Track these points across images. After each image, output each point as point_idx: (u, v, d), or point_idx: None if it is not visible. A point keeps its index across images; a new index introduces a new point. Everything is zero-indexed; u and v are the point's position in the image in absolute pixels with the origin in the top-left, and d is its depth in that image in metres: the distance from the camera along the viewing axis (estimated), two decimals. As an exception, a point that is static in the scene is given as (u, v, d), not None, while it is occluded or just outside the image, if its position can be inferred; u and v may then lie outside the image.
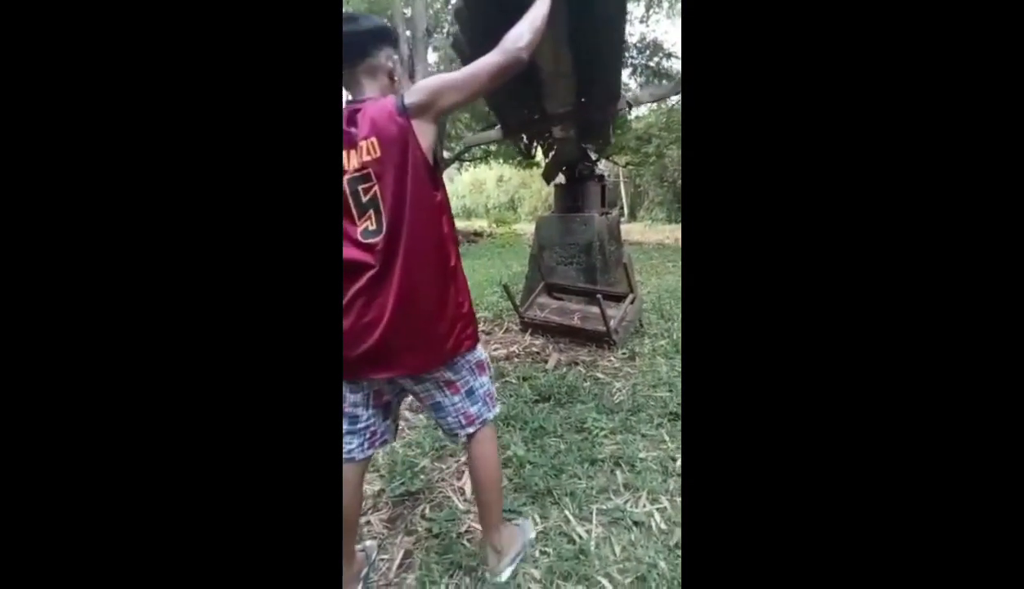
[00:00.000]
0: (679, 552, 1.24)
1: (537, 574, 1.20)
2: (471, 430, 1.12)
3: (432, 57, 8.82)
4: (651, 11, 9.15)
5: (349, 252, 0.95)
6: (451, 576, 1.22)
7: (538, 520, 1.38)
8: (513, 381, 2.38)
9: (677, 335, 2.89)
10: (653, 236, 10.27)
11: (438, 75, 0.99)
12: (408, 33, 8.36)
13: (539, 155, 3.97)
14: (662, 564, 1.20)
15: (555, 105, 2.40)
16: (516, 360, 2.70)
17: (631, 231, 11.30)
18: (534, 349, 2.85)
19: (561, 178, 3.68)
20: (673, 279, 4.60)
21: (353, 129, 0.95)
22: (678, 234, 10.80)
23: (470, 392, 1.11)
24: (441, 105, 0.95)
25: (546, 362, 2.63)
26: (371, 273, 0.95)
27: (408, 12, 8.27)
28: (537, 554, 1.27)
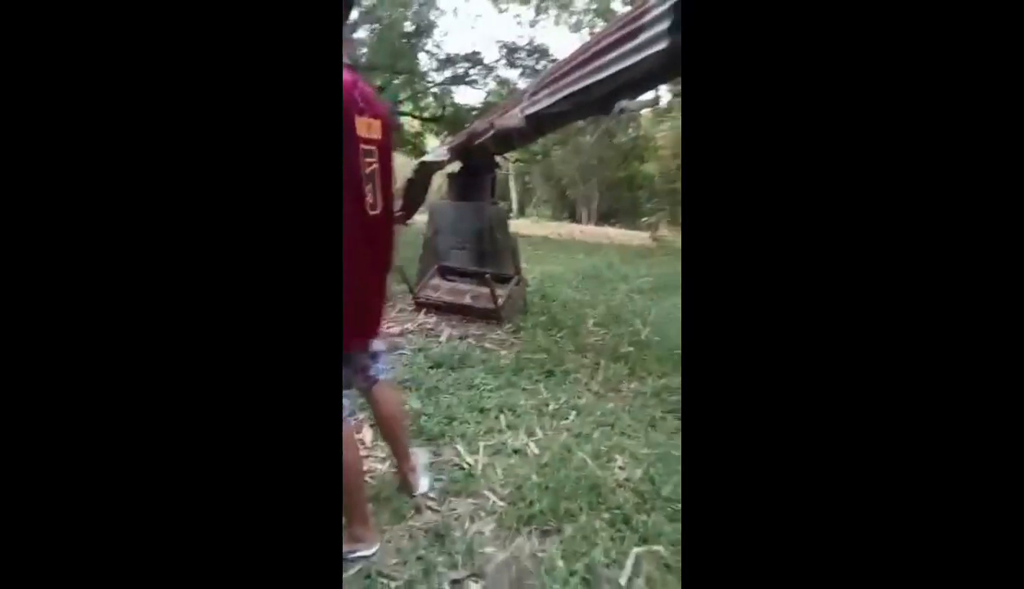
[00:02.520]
0: (550, 470, 1.55)
1: (433, 495, 1.42)
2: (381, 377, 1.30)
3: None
4: (539, 16, 9.71)
5: (359, 223, 1.01)
6: (356, 504, 1.38)
7: (434, 456, 1.60)
8: (408, 352, 2.54)
9: (555, 312, 3.29)
10: (540, 231, 10.97)
11: None
12: None
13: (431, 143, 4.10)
14: (534, 477, 1.50)
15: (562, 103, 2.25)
16: (411, 336, 2.86)
17: (520, 226, 11.89)
18: (428, 326, 3.03)
19: (454, 167, 3.89)
20: (553, 267, 5.10)
21: (356, 95, 1.01)
22: (561, 230, 11.66)
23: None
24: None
25: (439, 336, 2.84)
26: (370, 248, 1.07)
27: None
28: (432, 481, 1.49)
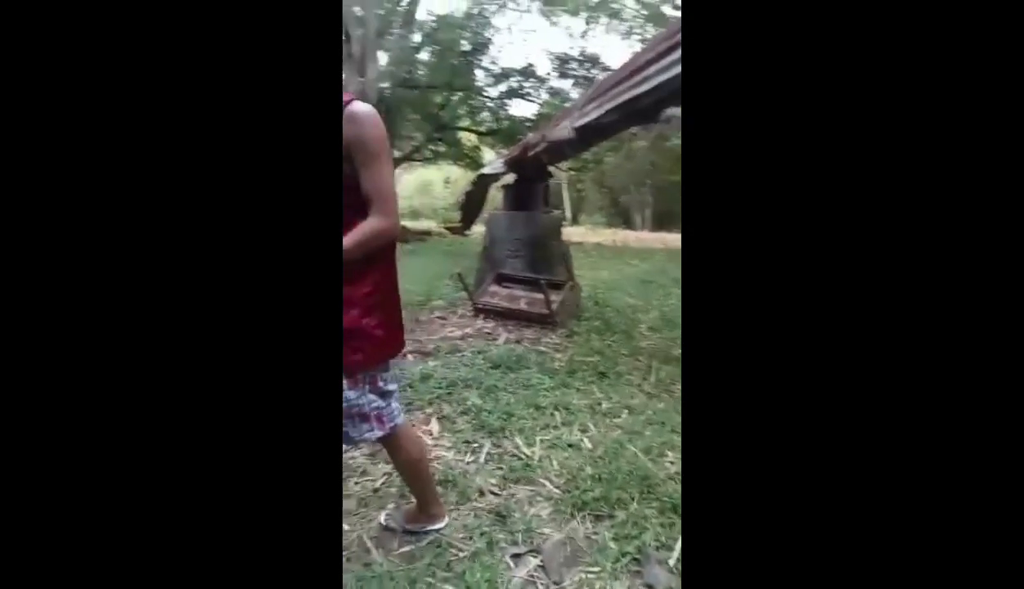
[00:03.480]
0: (603, 462, 1.64)
1: (494, 481, 1.56)
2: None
3: (383, 57, 8.96)
4: (589, 26, 9.79)
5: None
6: (427, 486, 1.54)
7: (495, 447, 1.74)
8: (468, 355, 2.71)
9: (608, 317, 3.36)
10: (593, 238, 10.97)
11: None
12: (360, 32, 8.47)
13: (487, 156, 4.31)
14: (588, 468, 1.60)
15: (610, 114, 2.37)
16: (470, 339, 3.04)
17: (573, 233, 11.96)
18: (486, 330, 3.20)
19: (509, 179, 4.07)
20: (606, 274, 5.14)
21: None
22: (615, 237, 11.58)
23: None
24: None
25: (496, 340, 2.99)
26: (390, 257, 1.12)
27: (358, 11, 8.37)
28: (494, 469, 1.62)
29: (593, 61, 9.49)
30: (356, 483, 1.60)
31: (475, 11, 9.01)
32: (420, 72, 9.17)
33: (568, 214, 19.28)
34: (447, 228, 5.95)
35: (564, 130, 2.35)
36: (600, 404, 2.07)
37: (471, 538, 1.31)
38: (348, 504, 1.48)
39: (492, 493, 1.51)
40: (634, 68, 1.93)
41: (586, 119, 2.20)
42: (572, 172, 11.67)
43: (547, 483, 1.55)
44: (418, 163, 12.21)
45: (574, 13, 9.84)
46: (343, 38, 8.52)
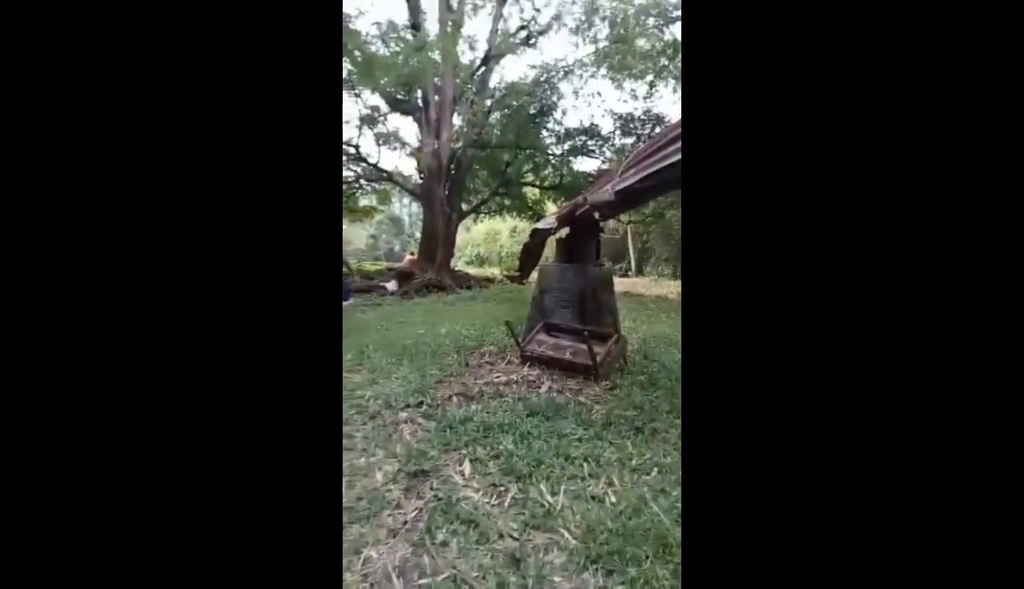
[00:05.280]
0: (623, 518, 1.65)
1: (515, 525, 1.62)
2: None
3: (457, 121, 9.80)
4: (654, 89, 10.08)
5: None
6: (450, 523, 1.64)
7: (520, 493, 1.81)
8: (510, 400, 2.81)
9: (654, 372, 3.32)
10: (657, 290, 10.79)
11: None
12: (437, 98, 9.38)
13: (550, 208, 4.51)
14: (608, 522, 1.61)
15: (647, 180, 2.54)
16: (514, 386, 3.14)
17: (636, 285, 11.87)
18: (531, 378, 3.29)
19: (563, 232, 4.24)
20: (662, 327, 5.07)
21: None
22: (680, 290, 11.33)
23: None
24: None
25: (540, 388, 3.07)
26: None
27: (438, 81, 9.31)
28: (516, 514, 1.68)
29: (657, 119, 9.72)
30: (389, 515, 1.72)
31: (542, 78, 9.68)
32: (490, 133, 9.89)
33: (632, 265, 19.13)
34: (506, 276, 6.20)
35: (605, 193, 2.50)
36: (631, 459, 2.07)
37: (484, 577, 1.38)
38: (379, 534, 1.60)
39: (511, 536, 1.57)
40: (666, 140, 2.06)
41: (625, 184, 2.33)
42: (632, 224, 11.69)
43: (565, 533, 1.58)
44: (485, 215, 12.86)
45: (640, 76, 10.21)
46: (420, 105, 9.49)
